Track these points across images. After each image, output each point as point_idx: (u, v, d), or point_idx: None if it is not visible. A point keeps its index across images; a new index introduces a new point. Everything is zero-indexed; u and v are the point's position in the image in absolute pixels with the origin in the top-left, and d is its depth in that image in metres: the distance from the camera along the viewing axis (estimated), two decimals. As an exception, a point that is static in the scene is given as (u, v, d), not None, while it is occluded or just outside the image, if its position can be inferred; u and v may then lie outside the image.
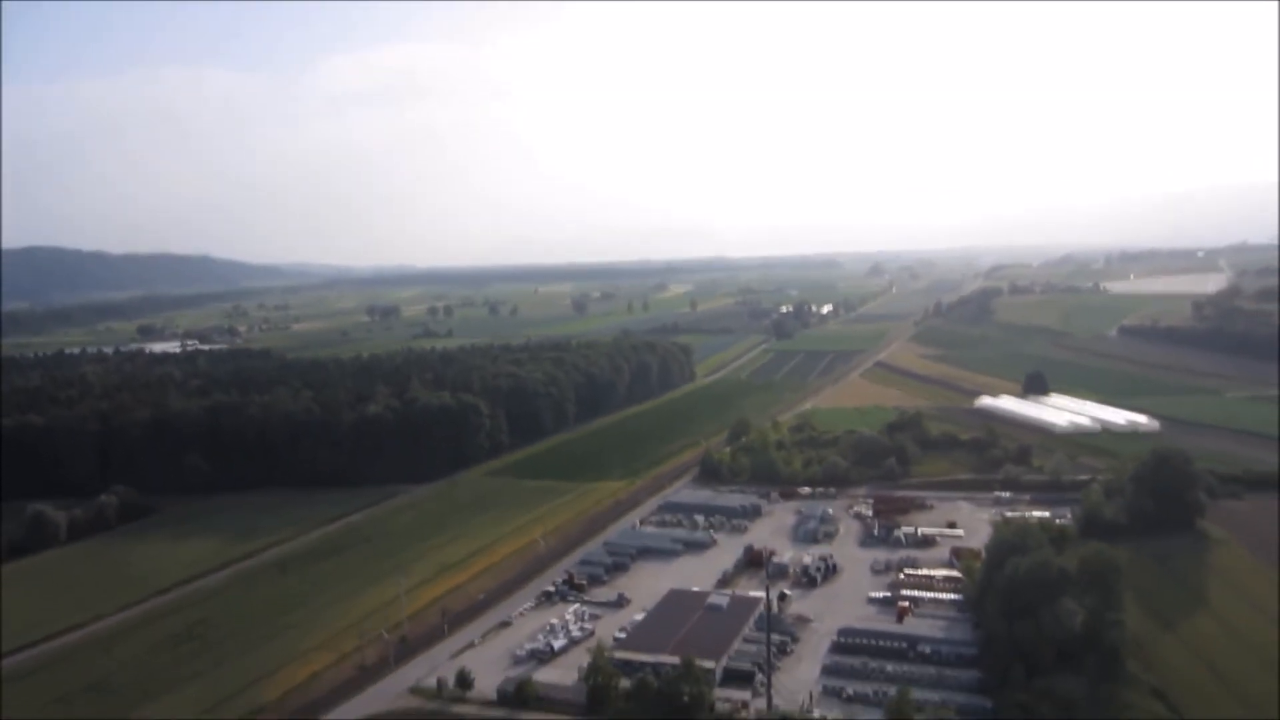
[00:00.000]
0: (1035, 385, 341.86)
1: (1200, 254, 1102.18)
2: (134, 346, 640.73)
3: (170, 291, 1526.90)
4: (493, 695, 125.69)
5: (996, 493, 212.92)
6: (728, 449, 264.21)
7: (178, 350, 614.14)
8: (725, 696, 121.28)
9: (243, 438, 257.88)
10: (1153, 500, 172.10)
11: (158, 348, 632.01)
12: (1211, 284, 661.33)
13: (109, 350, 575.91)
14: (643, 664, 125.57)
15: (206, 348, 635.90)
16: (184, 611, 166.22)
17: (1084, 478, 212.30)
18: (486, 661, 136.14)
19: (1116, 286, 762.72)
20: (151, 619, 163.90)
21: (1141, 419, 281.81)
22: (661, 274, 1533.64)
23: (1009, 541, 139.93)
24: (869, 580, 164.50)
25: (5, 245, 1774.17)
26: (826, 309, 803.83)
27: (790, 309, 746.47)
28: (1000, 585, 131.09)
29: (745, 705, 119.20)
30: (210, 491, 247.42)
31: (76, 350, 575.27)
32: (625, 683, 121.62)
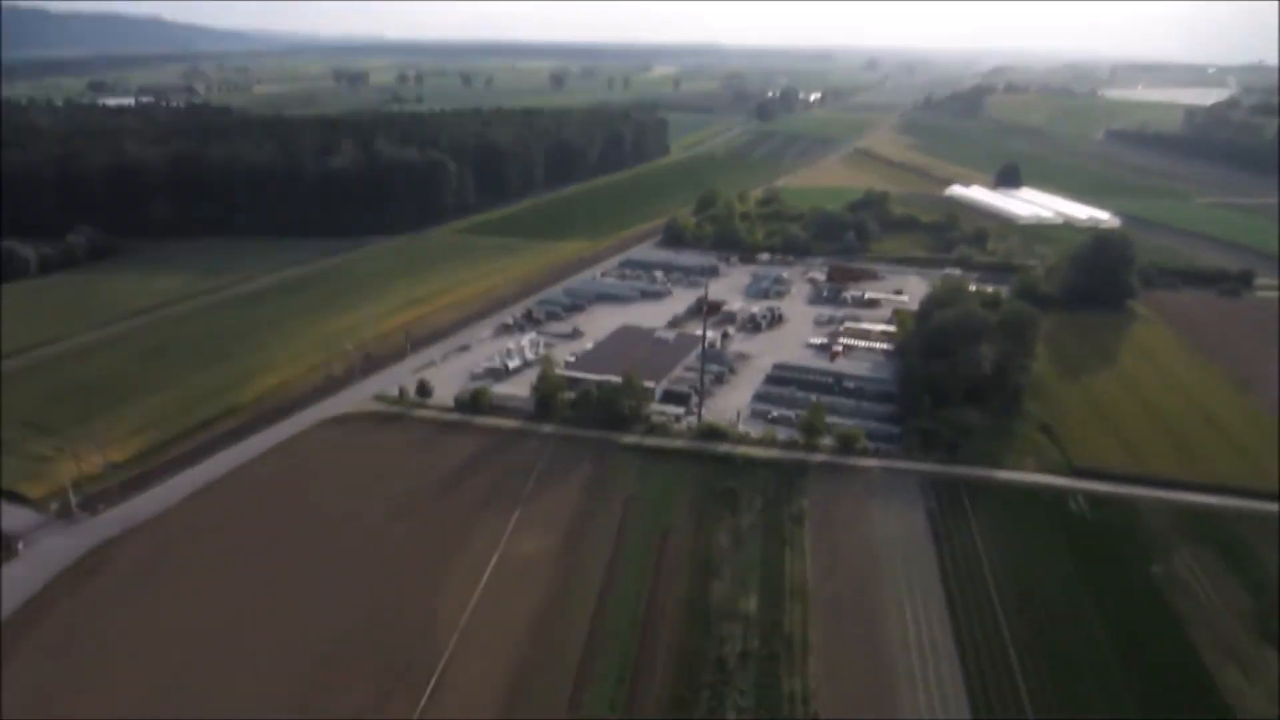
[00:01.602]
0: (1007, 178, 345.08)
1: (1211, 70, 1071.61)
2: (86, 101, 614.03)
3: (122, 52, 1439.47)
4: (450, 403, 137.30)
5: (948, 270, 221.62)
6: (693, 217, 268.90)
7: (132, 104, 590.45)
8: (661, 411, 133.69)
9: (205, 185, 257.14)
10: (1087, 278, 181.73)
11: (111, 102, 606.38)
12: (1213, 98, 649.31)
13: (59, 103, 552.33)
14: (589, 381, 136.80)
15: (164, 104, 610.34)
16: (156, 331, 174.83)
17: (1033, 262, 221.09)
18: (446, 377, 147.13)
19: (1114, 94, 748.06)
20: (125, 337, 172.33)
21: (1104, 215, 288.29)
22: (647, 56, 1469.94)
23: (940, 296, 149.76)
24: (811, 330, 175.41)
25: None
26: (815, 97, 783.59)
27: (776, 94, 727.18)
28: (925, 332, 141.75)
29: (679, 419, 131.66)
30: (174, 236, 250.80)
31: (24, 102, 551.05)
32: (571, 395, 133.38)
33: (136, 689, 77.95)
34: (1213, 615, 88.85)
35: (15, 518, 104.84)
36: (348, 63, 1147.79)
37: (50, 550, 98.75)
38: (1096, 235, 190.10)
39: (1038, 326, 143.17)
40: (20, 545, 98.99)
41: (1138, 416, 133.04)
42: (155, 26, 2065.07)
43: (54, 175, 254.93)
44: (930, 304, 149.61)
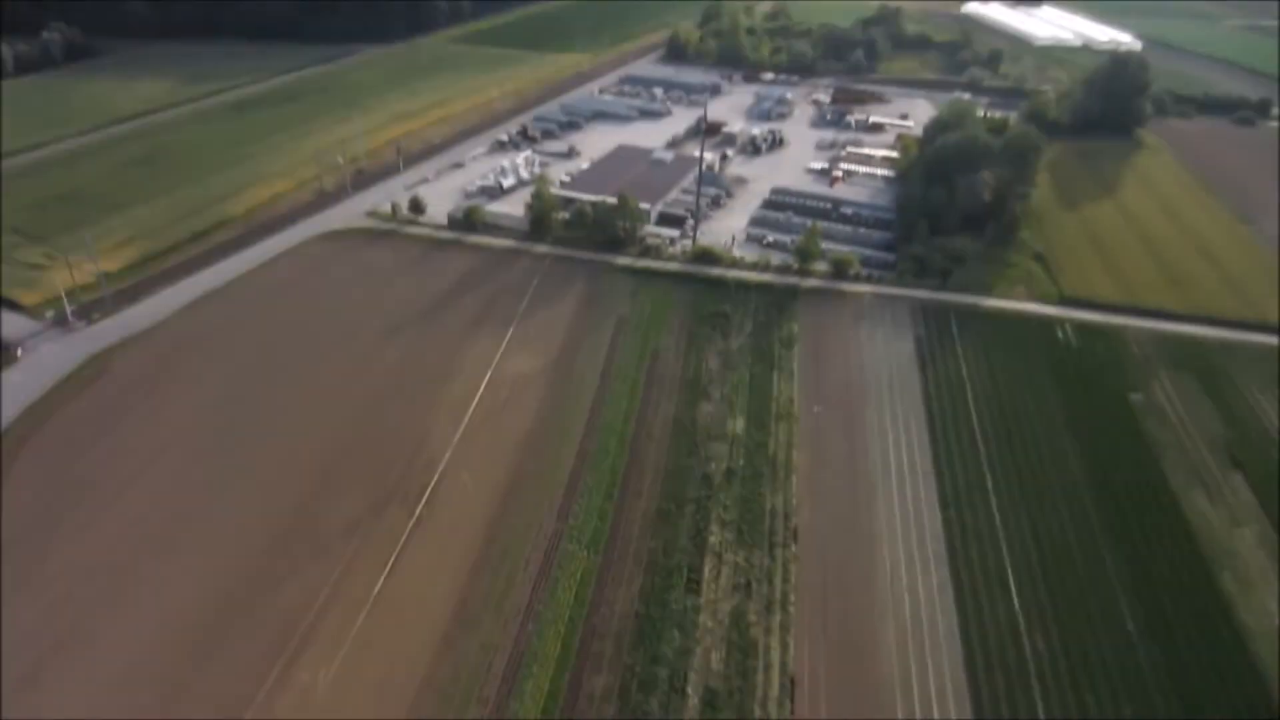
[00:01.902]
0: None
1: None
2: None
3: None
4: (443, 220, 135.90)
5: (957, 94, 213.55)
6: (697, 31, 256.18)
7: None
8: (656, 233, 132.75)
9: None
10: (1098, 104, 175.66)
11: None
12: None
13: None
14: (584, 201, 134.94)
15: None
16: (143, 139, 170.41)
17: (1045, 87, 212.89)
18: (439, 194, 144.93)
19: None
20: (111, 144, 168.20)
21: (1126, 37, 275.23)
22: None
23: (945, 120, 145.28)
24: (812, 154, 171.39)
25: None
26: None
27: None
28: (927, 157, 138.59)
29: (673, 242, 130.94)
30: (155, 37, 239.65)
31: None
32: (566, 215, 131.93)
33: (137, 494, 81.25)
34: (1185, 441, 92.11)
35: (12, 325, 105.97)
36: None
37: (48, 357, 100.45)
38: (1112, 57, 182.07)
39: (1040, 154, 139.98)
40: (19, 351, 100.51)
41: (1132, 247, 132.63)
42: None
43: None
44: (934, 129, 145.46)
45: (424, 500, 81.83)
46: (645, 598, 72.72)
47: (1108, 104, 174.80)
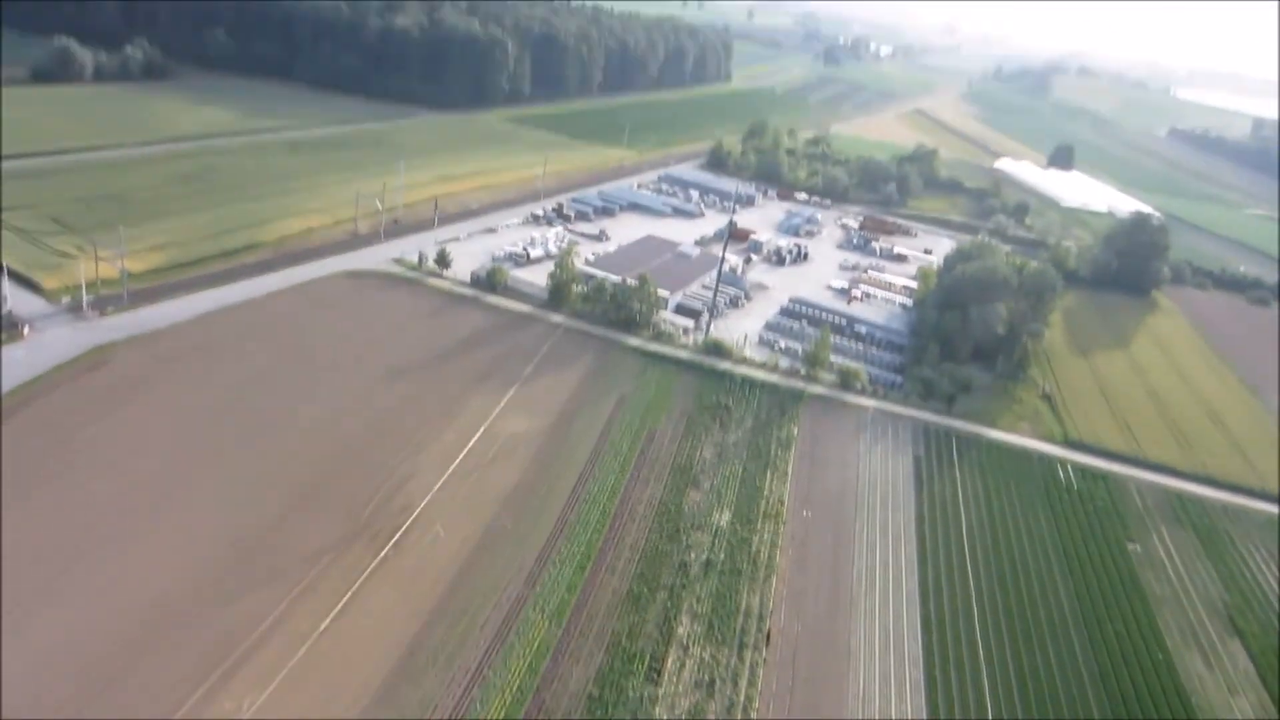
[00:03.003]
0: (1060, 158, 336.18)
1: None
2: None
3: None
4: (466, 278, 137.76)
5: (982, 235, 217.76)
6: (739, 144, 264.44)
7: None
8: (671, 321, 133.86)
9: (268, 21, 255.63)
10: (1117, 260, 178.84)
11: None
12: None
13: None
14: (605, 278, 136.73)
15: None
16: (197, 158, 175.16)
17: (1068, 242, 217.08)
18: (467, 253, 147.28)
19: (1186, 94, 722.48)
20: (166, 159, 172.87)
21: (1150, 211, 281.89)
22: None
23: (967, 252, 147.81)
24: (834, 273, 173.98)
25: None
26: (885, 50, 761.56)
27: (847, 42, 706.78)
28: (945, 284, 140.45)
29: (687, 331, 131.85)
30: (230, 70, 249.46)
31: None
32: (584, 289, 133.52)
33: (108, 486, 79.89)
34: (1183, 599, 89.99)
35: (26, 304, 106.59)
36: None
37: (55, 340, 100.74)
38: (1134, 215, 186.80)
39: (1056, 294, 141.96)
40: (26, 329, 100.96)
41: (1141, 401, 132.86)
42: None
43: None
44: (955, 259, 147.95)
45: (392, 542, 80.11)
46: (601, 680, 69.81)
47: (1125, 261, 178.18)
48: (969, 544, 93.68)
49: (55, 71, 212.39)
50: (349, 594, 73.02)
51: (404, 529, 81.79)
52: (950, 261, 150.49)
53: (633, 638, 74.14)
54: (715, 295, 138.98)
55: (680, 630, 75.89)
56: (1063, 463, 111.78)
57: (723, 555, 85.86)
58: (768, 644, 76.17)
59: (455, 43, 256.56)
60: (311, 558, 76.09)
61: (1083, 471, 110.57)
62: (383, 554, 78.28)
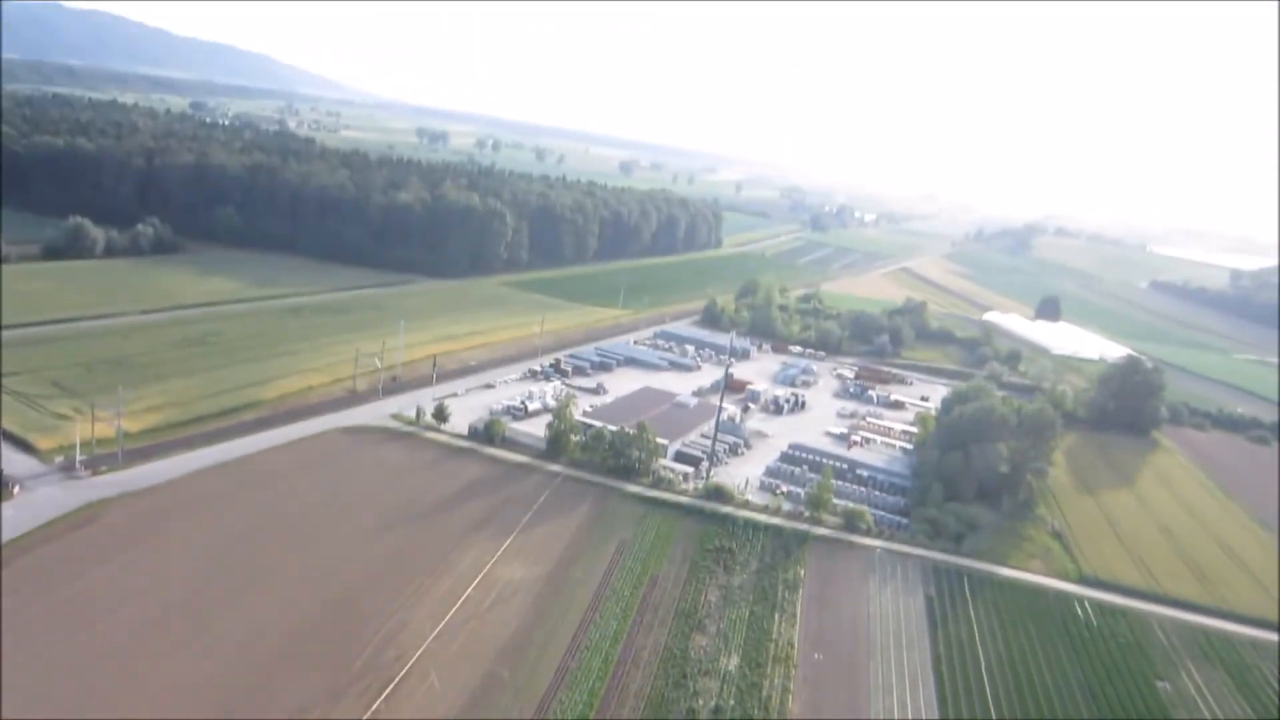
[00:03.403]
0: (1047, 310, 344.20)
1: (1261, 241, 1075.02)
2: (186, 113, 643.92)
3: (227, 81, 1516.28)
4: (464, 430, 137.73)
5: (978, 380, 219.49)
6: (733, 302, 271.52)
7: (226, 124, 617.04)
8: (670, 468, 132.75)
9: (276, 198, 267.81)
10: (1114, 401, 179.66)
11: (208, 119, 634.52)
12: (1259, 264, 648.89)
13: (161, 111, 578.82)
14: (603, 427, 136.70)
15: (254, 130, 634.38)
16: (199, 325, 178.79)
17: (1062, 387, 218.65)
18: (465, 408, 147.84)
19: (1165, 250, 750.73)
20: (169, 324, 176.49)
21: (1141, 358, 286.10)
22: (713, 160, 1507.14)
23: (962, 393, 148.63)
24: (833, 420, 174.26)
25: (69, 3, 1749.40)
26: (870, 217, 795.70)
27: (833, 210, 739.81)
28: (944, 425, 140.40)
29: (686, 478, 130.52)
30: (238, 245, 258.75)
31: (130, 103, 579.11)
32: (583, 438, 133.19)
33: (92, 641, 76.90)
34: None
35: (19, 464, 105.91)
36: (432, 123, 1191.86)
37: (46, 499, 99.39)
38: (1127, 358, 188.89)
39: (1056, 430, 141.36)
40: (17, 489, 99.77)
41: (1152, 537, 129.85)
42: (263, 62, 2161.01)
43: (139, 166, 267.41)
44: (952, 400, 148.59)
45: (384, 695, 76.04)
46: (608, 838, 64.77)
47: (1122, 402, 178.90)
48: (990, 684, 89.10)
49: (67, 248, 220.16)
50: (335, 751, 68.62)
51: (396, 680, 77.85)
52: (948, 404, 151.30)
53: (638, 792, 69.08)
54: (714, 442, 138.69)
55: (691, 783, 70.80)
56: (1080, 600, 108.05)
57: (732, 702, 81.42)
58: (784, 797, 70.87)
59: (455, 215, 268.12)
60: (299, 710, 71.96)
61: (1101, 608, 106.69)
62: (374, 707, 74.12)
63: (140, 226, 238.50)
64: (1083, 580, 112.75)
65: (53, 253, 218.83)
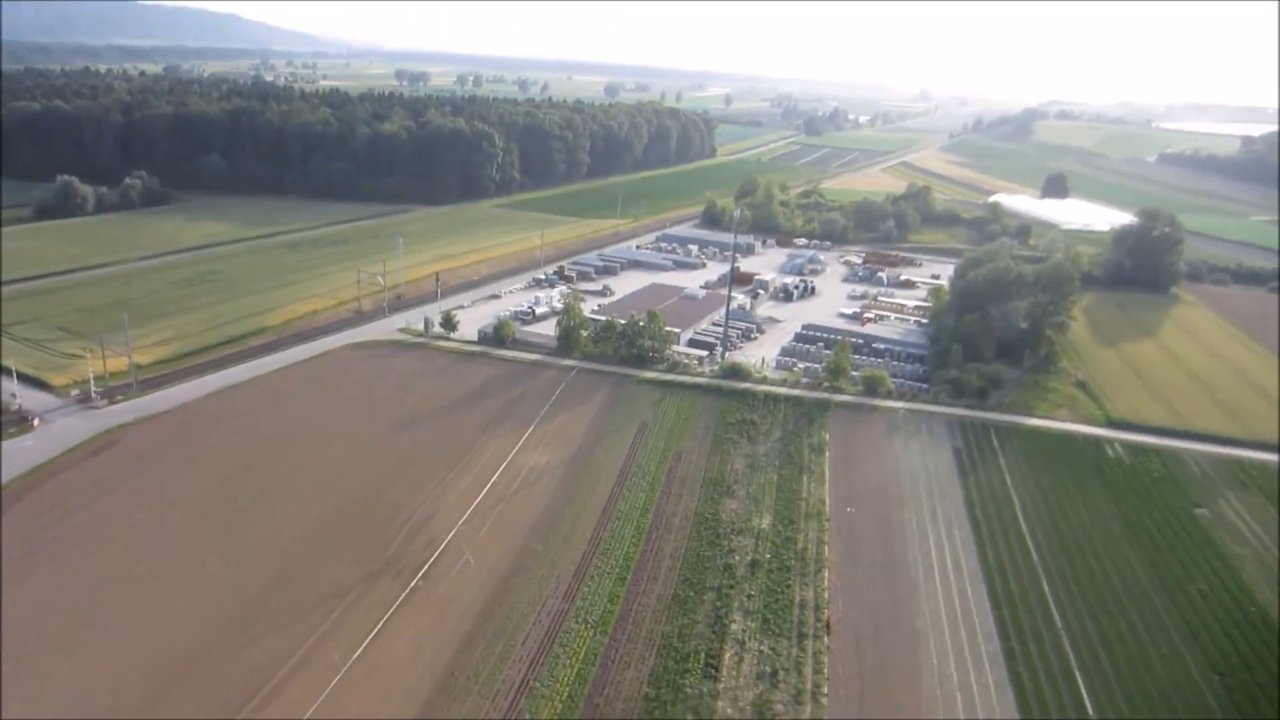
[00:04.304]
0: (1054, 188, 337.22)
1: (1270, 110, 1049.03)
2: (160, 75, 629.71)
3: (198, 44, 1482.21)
4: (474, 337, 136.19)
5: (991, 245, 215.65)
6: (733, 204, 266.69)
7: (202, 79, 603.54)
8: (685, 353, 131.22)
9: (259, 141, 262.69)
10: (1130, 258, 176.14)
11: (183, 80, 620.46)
12: (1269, 130, 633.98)
13: (135, 75, 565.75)
14: (613, 317, 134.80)
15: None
16: (197, 265, 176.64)
17: (1079, 248, 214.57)
18: (472, 318, 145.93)
19: (1169, 124, 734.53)
20: (168, 268, 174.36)
21: (1158, 212, 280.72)
22: (701, 78, 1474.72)
23: (977, 257, 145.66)
24: (844, 303, 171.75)
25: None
26: (864, 119, 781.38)
27: (826, 114, 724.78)
28: (958, 289, 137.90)
29: (701, 362, 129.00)
30: (226, 191, 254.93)
31: (103, 70, 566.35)
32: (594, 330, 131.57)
33: (118, 551, 77.00)
34: (1265, 556, 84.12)
35: (35, 400, 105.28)
36: (410, 66, 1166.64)
37: (64, 429, 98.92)
38: (1141, 210, 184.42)
39: (1075, 284, 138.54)
40: (36, 421, 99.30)
41: (1179, 380, 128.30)
42: (232, 22, 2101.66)
43: (119, 122, 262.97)
44: (966, 265, 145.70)
45: (421, 574, 75.93)
46: (656, 680, 64.97)
47: (1140, 259, 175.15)
48: (1026, 522, 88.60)
49: (58, 208, 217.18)
50: (379, 625, 68.81)
51: (431, 561, 77.73)
52: (961, 269, 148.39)
53: (684, 638, 69.22)
54: (726, 326, 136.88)
55: (734, 627, 70.95)
56: (1109, 441, 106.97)
57: (768, 555, 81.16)
58: (829, 632, 70.86)
59: (442, 140, 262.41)
60: (335, 596, 72.08)
61: (1132, 448, 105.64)
62: (411, 585, 74.06)
63: (128, 180, 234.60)
64: (1111, 424, 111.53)
65: (44, 213, 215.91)
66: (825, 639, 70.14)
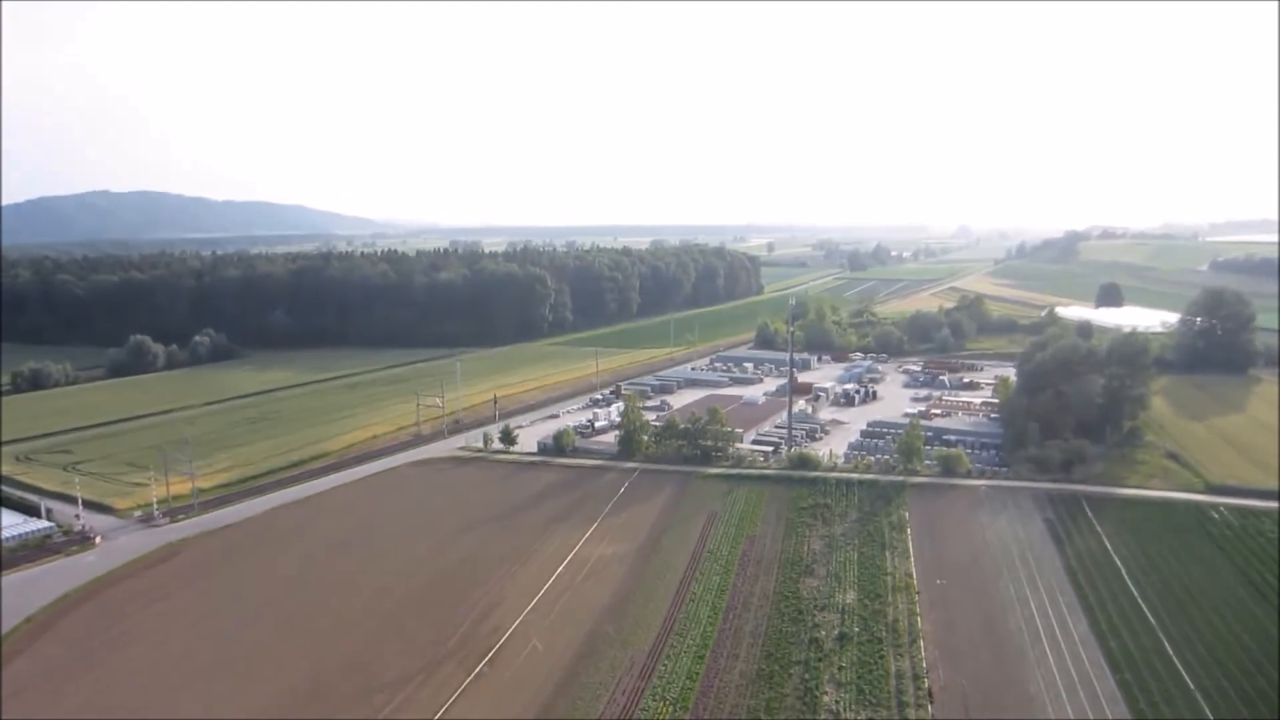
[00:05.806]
0: (1109, 297, 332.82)
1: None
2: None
3: (267, 233, 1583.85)
4: (533, 449, 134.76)
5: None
6: (785, 326, 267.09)
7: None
8: (749, 449, 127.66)
9: (322, 297, 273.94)
10: (1202, 339, 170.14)
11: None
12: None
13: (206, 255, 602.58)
14: (675, 413, 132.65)
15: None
16: (260, 407, 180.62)
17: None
18: (531, 434, 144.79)
19: (1215, 238, 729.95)
20: (231, 410, 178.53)
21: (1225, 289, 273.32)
22: (741, 231, 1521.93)
23: (1041, 342, 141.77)
24: (907, 404, 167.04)
25: (116, 189, 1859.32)
26: (907, 254, 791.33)
27: (869, 250, 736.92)
28: (1026, 373, 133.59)
29: (767, 457, 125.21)
30: (291, 345, 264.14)
31: (177, 253, 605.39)
32: (656, 424, 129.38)
33: (178, 647, 75.00)
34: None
35: (99, 522, 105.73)
36: (465, 242, 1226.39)
37: (126, 545, 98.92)
38: (1206, 290, 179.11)
39: (1150, 356, 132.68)
40: (98, 539, 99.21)
41: (1275, 446, 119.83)
42: (298, 212, 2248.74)
43: (191, 287, 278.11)
44: (1031, 349, 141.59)
45: (487, 660, 71.59)
46: (745, 755, 58.84)
47: (1213, 339, 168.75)
48: (1135, 586, 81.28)
49: (131, 365, 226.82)
50: (444, 708, 64.10)
51: (497, 648, 73.41)
52: (1027, 354, 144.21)
53: (772, 711, 63.19)
54: (790, 423, 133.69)
55: (826, 699, 64.64)
56: (1213, 506, 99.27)
57: (857, 629, 75.19)
58: (932, 700, 64.14)
59: (497, 283, 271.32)
60: (399, 682, 67.97)
61: (1239, 511, 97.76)
62: (477, 670, 69.65)
63: (197, 338, 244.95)
64: (1210, 490, 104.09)
65: (117, 370, 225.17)
66: (929, 707, 63.43)
